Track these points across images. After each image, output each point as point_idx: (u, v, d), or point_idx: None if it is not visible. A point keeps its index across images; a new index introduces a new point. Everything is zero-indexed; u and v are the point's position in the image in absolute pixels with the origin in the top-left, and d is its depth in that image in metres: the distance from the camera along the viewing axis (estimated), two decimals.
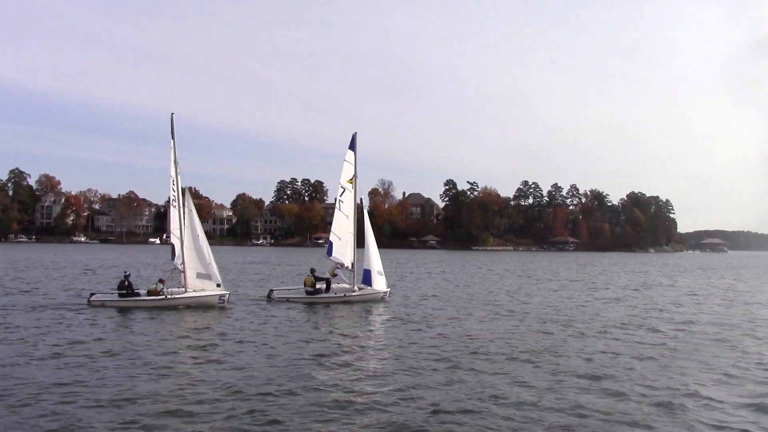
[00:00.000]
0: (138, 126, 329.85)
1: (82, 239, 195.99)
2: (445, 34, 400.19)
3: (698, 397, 13.06)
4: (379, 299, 30.84)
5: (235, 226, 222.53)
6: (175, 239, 28.28)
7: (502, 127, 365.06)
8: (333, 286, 30.87)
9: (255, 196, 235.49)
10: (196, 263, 27.34)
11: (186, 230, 27.43)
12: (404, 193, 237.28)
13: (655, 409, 12.15)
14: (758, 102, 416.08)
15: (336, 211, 32.03)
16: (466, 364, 15.96)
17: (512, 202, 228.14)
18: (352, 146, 31.54)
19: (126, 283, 26.86)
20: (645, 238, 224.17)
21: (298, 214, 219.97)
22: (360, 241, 31.56)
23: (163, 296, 26.51)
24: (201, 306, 26.66)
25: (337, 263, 31.31)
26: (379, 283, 30.98)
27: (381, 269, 31.29)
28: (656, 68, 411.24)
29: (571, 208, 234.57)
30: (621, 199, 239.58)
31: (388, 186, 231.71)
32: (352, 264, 31.31)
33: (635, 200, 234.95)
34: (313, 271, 31.35)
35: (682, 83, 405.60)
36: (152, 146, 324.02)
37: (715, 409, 12.25)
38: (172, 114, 27.41)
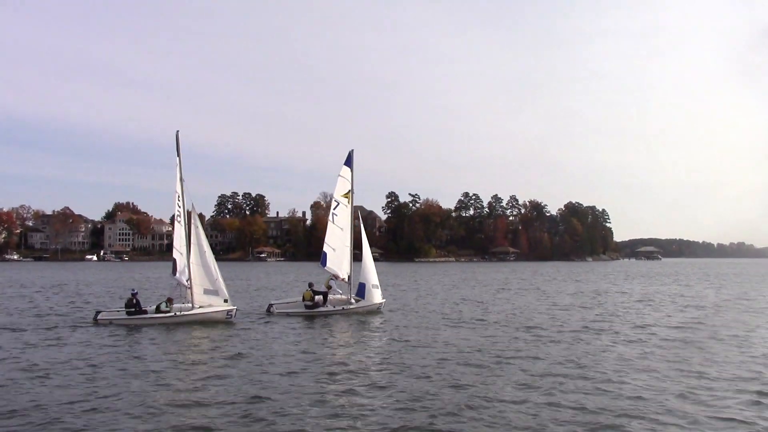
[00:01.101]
0: (72, 140, 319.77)
1: (15, 257, 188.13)
2: (385, 46, 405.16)
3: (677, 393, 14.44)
4: (375, 310, 31.72)
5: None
6: (177, 254, 28.51)
7: (443, 139, 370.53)
8: (330, 297, 31.55)
9: (195, 210, 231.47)
10: (203, 279, 27.58)
11: (193, 247, 27.69)
12: None
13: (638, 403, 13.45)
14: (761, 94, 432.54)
15: (329, 223, 32.93)
16: (465, 369, 17.11)
17: (453, 214, 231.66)
18: (348, 163, 32.41)
19: (134, 301, 26.91)
20: (583, 248, 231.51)
21: (240, 228, 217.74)
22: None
23: (173, 313, 26.64)
24: (209, 321, 26.85)
25: (331, 274, 32.08)
26: (374, 296, 31.92)
27: (377, 282, 32.25)
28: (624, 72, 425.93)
29: (511, 218, 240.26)
30: (559, 209, 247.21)
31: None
32: (348, 276, 32.09)
33: (573, 210, 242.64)
34: (311, 285, 31.90)
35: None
36: (87, 161, 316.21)
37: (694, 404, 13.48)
38: (177, 131, 27.64)
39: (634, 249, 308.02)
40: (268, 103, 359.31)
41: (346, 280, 32.12)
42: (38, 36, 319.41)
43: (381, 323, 28.17)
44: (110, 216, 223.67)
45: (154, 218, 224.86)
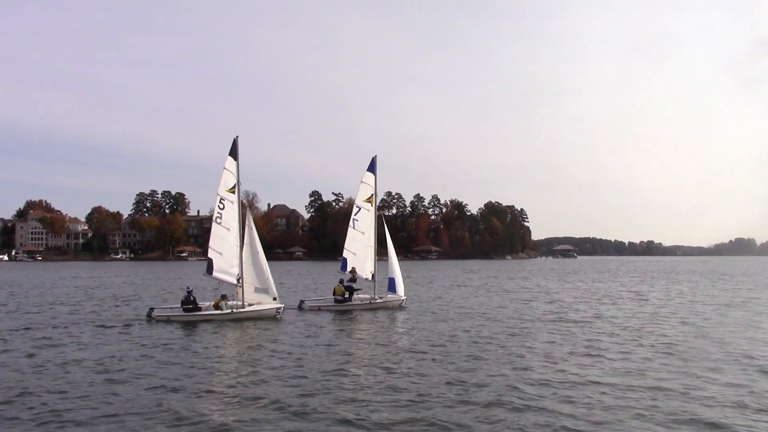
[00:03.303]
0: None
1: None
2: (309, 46, 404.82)
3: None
4: (398, 305, 34.10)
5: (90, 240, 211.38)
6: (215, 254, 29.54)
7: (366, 138, 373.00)
8: (355, 296, 33.65)
9: (112, 209, 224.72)
10: (254, 278, 29.13)
11: (246, 247, 29.11)
12: (269, 205, 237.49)
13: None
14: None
15: (350, 229, 35.15)
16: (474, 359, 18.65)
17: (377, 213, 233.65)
18: (372, 169, 34.68)
19: (191, 298, 28.13)
20: (502, 246, 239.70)
21: (159, 227, 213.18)
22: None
23: (229, 311, 28.01)
24: (260, 318, 28.41)
25: (349, 271, 34.13)
26: (400, 291, 34.38)
27: (401, 278, 34.58)
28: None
29: (432, 217, 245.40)
30: (479, 209, 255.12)
31: (253, 197, 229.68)
32: (372, 275, 34.27)
33: (492, 209, 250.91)
34: (341, 281, 33.82)
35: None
36: None
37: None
38: (236, 137, 28.84)
39: (551, 247, 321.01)
40: (187, 100, 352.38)
41: (371, 278, 34.26)
42: None
43: (404, 316, 30.64)
44: (22, 214, 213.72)
45: (69, 217, 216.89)
